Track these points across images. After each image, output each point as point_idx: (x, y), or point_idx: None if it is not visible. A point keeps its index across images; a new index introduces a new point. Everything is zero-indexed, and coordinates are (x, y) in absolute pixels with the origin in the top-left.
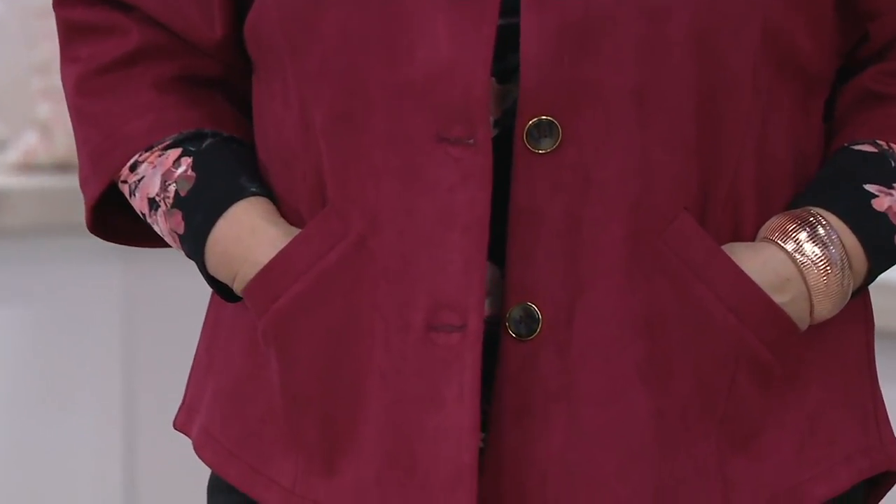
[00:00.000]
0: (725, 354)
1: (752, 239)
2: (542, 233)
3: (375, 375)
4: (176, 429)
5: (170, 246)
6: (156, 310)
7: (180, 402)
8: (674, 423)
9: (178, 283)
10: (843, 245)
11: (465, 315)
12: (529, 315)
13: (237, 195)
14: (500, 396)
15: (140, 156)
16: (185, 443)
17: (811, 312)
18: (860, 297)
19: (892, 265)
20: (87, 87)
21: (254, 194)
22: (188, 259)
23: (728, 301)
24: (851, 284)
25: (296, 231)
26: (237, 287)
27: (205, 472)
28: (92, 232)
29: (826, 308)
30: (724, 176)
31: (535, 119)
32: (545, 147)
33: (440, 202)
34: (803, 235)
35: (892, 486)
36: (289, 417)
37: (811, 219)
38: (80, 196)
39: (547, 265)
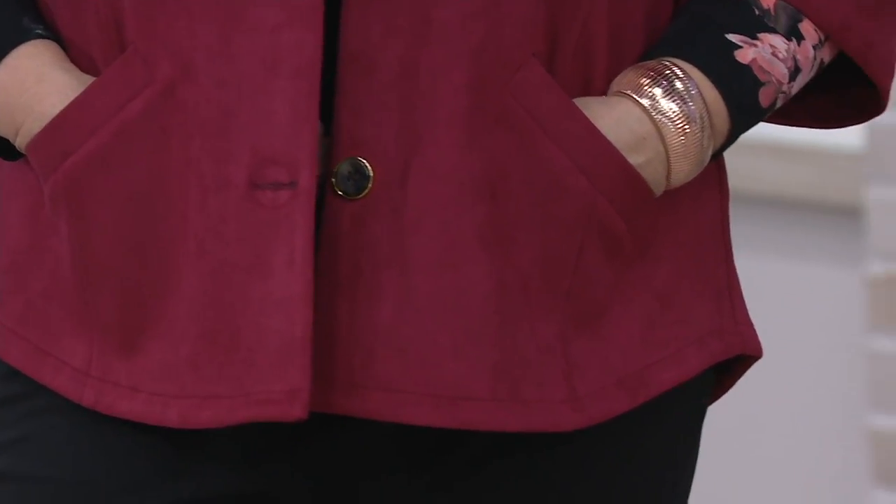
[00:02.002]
0: (574, 221)
1: (604, 94)
2: (375, 80)
3: (189, 241)
4: None
5: None
6: None
7: None
8: (516, 295)
9: None
10: (703, 100)
11: (296, 170)
12: (359, 171)
13: (19, 38)
14: (327, 263)
15: None
16: None
17: (668, 176)
18: (715, 159)
19: (755, 124)
20: None
21: (39, 37)
22: None
23: (579, 161)
24: (711, 145)
25: (91, 79)
26: (20, 142)
27: None
28: None
29: (684, 171)
30: (574, 21)
31: None
32: None
33: (263, 44)
34: (658, 91)
35: (746, 370)
36: (82, 291)
37: (667, 72)
38: None
39: (379, 116)
